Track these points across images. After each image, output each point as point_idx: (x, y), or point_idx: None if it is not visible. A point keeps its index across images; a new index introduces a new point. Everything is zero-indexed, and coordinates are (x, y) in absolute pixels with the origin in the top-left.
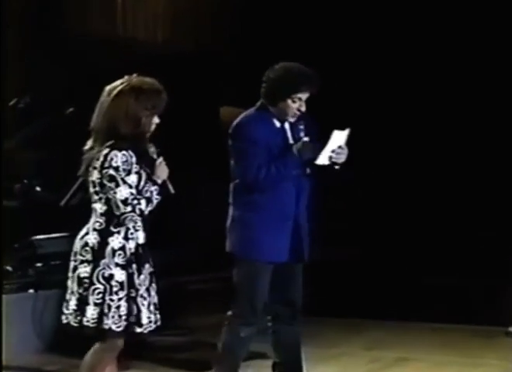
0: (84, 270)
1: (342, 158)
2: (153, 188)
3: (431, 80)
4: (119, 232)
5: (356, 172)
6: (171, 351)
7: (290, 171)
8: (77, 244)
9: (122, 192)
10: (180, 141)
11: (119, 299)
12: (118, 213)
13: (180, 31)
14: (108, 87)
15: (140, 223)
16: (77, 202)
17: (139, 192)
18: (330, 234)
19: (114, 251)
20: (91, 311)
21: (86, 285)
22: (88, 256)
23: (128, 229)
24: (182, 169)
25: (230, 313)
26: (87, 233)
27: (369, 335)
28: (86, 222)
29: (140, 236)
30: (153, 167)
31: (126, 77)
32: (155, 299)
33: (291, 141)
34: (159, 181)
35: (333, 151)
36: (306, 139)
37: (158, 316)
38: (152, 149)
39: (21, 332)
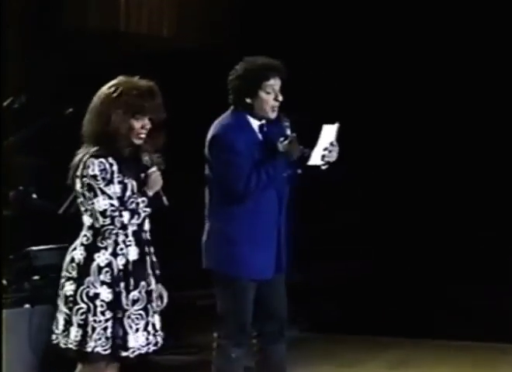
0: (69, 288)
1: (334, 156)
2: (140, 200)
3: (431, 78)
4: (106, 248)
5: (355, 172)
6: (178, 371)
7: (280, 174)
8: (66, 259)
9: (100, 203)
10: (183, 141)
11: (106, 320)
12: (97, 225)
13: (186, 26)
14: None
15: (131, 237)
16: (76, 211)
17: (123, 203)
18: (335, 244)
19: (100, 268)
20: (74, 333)
21: (71, 305)
22: (74, 273)
23: (117, 244)
24: (183, 170)
25: (216, 335)
26: (75, 248)
27: (392, 353)
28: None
29: (132, 252)
30: (146, 176)
31: (119, 78)
32: (155, 319)
33: (273, 141)
34: (149, 193)
35: (325, 149)
36: (292, 135)
37: (159, 337)
38: (146, 158)
39: (16, 349)
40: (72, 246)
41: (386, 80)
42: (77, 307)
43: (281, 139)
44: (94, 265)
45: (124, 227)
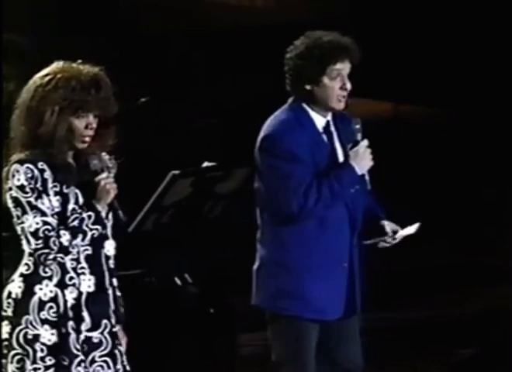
0: (5, 330)
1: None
2: (85, 215)
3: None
4: (50, 278)
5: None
6: None
7: (348, 190)
8: (3, 295)
9: (30, 221)
10: None
11: (46, 368)
12: (29, 250)
13: None
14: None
15: (84, 264)
16: (150, 229)
17: (62, 220)
18: None
19: (42, 303)
20: None
21: (5, 350)
22: (9, 311)
23: (65, 272)
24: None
25: None
26: (13, 280)
27: None
28: (155, 256)
29: (86, 282)
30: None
31: (55, 64)
32: (124, 365)
33: (340, 145)
34: (99, 207)
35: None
36: (364, 142)
37: None
38: (95, 162)
39: None
40: (11, 278)
41: None
42: (12, 352)
43: (350, 145)
44: (34, 299)
45: (64, 250)
